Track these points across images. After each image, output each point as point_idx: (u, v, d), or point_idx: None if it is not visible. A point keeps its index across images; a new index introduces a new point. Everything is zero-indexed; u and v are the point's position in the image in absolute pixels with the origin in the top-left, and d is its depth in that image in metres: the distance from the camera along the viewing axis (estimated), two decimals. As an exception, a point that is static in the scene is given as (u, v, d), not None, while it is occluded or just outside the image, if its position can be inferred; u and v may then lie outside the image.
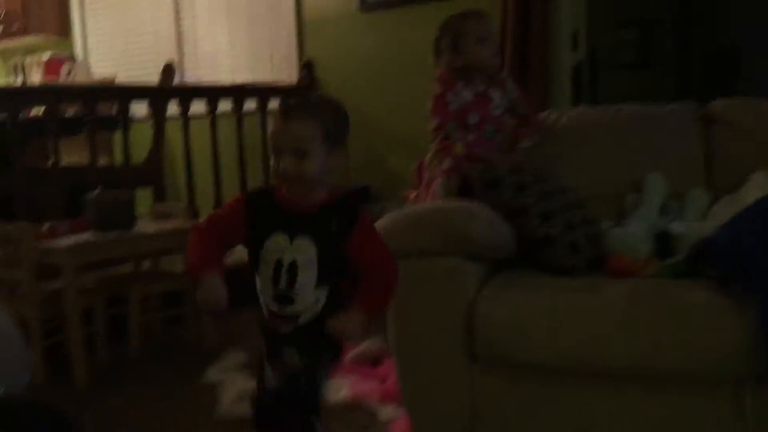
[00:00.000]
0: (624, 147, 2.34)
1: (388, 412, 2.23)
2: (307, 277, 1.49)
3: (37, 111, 4.27)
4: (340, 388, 2.41)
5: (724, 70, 5.00)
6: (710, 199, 2.15)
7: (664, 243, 2.02)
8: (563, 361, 1.73)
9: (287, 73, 4.48)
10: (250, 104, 4.02)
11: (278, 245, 1.49)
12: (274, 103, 4.16)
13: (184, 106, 3.73)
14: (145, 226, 2.98)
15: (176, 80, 4.50)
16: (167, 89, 4.04)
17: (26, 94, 3.69)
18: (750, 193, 2.00)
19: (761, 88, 4.20)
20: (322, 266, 1.49)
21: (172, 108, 3.88)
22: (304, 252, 1.48)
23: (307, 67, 4.28)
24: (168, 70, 4.22)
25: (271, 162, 1.48)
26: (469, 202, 1.98)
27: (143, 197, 3.91)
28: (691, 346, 1.63)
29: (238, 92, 4.05)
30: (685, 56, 5.18)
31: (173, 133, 4.02)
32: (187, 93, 3.92)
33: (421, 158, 2.50)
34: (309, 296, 1.50)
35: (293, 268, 1.48)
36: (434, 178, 2.29)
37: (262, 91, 4.20)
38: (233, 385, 2.48)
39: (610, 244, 1.99)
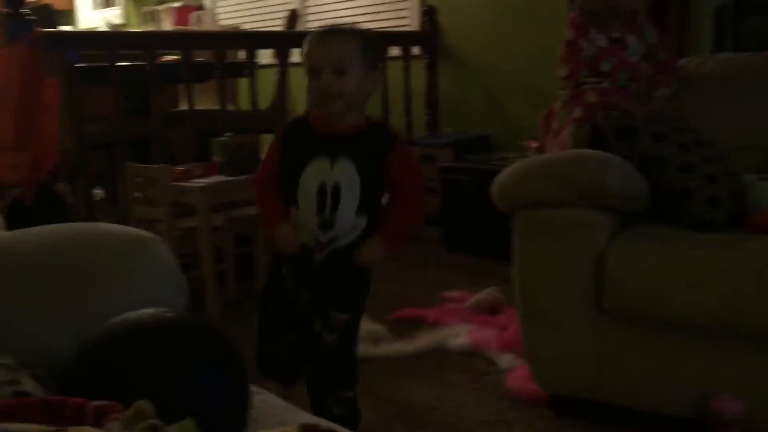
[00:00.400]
0: (772, 96, 2.18)
1: (507, 360, 2.23)
2: (350, 201, 1.48)
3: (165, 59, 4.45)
4: (458, 335, 2.44)
5: None
6: None
7: (815, 199, 1.88)
8: (698, 319, 1.66)
9: (408, 20, 4.44)
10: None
11: (319, 169, 1.47)
12: (395, 51, 4.15)
13: (308, 53, 3.78)
14: (271, 169, 3.07)
15: (300, 28, 4.57)
16: (292, 36, 4.10)
17: (162, 40, 3.84)
18: None
19: None
20: (364, 190, 1.48)
21: (295, 55, 3.94)
22: (346, 174, 1.47)
23: (428, 13, 4.22)
24: (293, 17, 4.28)
25: (308, 84, 1.46)
26: (602, 152, 1.91)
27: (267, 142, 4.03)
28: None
29: (359, 39, 4.05)
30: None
31: (296, 80, 4.09)
32: (311, 40, 3.96)
33: (549, 107, 2.43)
34: (348, 222, 1.49)
35: (337, 191, 1.47)
36: (563, 127, 2.22)
37: (382, 38, 4.18)
38: (355, 325, 2.55)
39: (754, 198, 1.87)
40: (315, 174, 1.47)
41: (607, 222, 1.81)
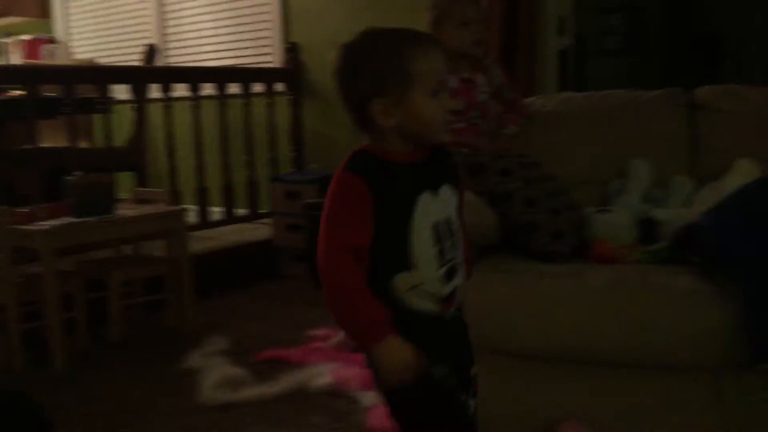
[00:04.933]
0: (609, 133, 2.33)
1: (369, 398, 2.21)
2: (460, 233, 1.26)
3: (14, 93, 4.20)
4: (322, 374, 2.40)
5: (708, 56, 5.01)
6: (694, 186, 2.14)
7: (647, 229, 2.01)
8: (547, 347, 1.73)
9: (271, 57, 4.43)
10: (233, 88, 3.97)
11: (428, 208, 1.20)
12: (257, 87, 4.11)
13: (167, 89, 3.68)
14: (126, 210, 2.94)
15: (159, 64, 4.44)
16: (149, 71, 3.98)
17: (5, 74, 3.61)
18: (733, 180, 1.99)
19: (746, 75, 4.22)
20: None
21: (154, 91, 3.82)
22: (451, 202, 1.24)
23: (291, 50, 4.23)
24: (150, 52, 4.16)
25: (426, 104, 1.17)
26: (453, 187, 1.97)
27: (125, 181, 3.86)
28: (673, 333, 1.63)
29: (221, 75, 4.00)
30: (671, 42, 5.18)
31: (155, 116, 3.97)
32: (169, 75, 3.87)
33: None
34: (462, 257, 1.26)
35: (449, 226, 1.22)
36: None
37: (245, 74, 4.15)
38: (215, 370, 2.46)
39: (593, 230, 1.98)
40: (426, 215, 1.20)
41: (459, 256, 1.85)
